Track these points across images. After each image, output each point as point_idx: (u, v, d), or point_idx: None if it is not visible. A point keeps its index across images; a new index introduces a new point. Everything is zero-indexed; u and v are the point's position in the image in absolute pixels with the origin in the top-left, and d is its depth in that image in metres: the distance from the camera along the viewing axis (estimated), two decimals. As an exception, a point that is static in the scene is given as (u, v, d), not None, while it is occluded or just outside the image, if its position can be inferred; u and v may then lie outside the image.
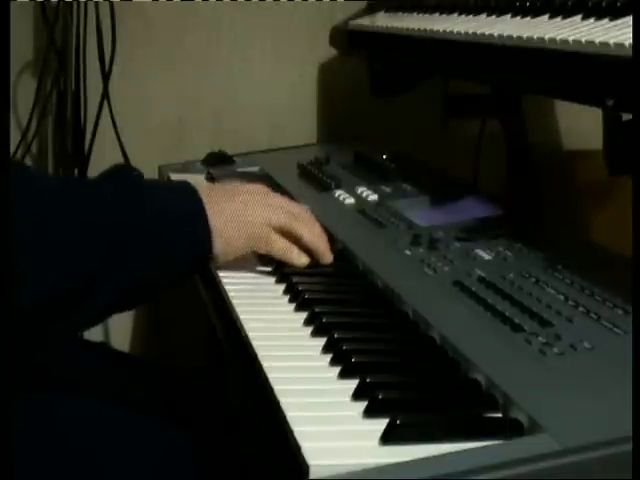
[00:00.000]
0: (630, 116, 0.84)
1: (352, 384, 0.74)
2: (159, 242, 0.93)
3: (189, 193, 0.98)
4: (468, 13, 1.25)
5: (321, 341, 0.83)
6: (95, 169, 1.76)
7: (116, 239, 0.90)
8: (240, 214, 0.99)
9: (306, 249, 1.03)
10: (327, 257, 1.04)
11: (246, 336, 0.87)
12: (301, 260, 1.03)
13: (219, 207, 0.98)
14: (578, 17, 0.97)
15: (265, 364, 0.80)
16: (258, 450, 0.88)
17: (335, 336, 0.82)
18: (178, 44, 1.82)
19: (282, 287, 0.99)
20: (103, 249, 0.89)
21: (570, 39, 0.91)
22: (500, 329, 0.82)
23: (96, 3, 1.71)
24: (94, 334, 1.80)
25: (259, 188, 1.07)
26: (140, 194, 0.94)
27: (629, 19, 0.88)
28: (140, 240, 0.91)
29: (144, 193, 0.95)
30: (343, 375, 0.77)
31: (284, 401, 0.72)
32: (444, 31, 1.22)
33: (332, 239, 1.08)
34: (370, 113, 1.80)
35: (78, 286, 0.87)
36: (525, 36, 1.00)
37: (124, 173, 0.99)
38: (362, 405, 0.71)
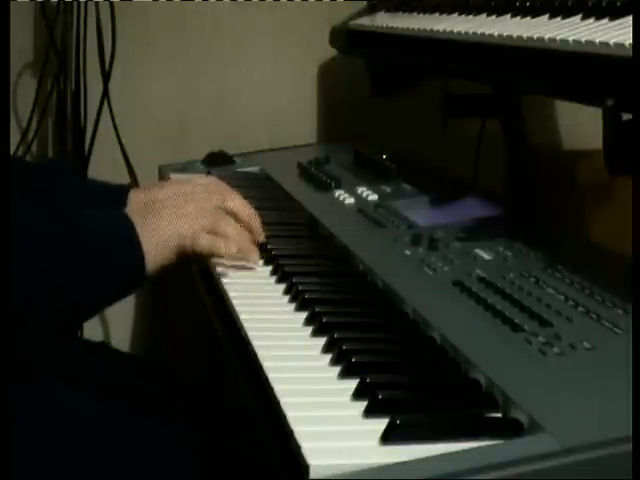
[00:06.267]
0: (630, 116, 0.84)
1: (352, 384, 0.74)
2: (95, 263, 0.92)
3: (121, 219, 0.98)
4: (468, 13, 1.25)
5: (321, 341, 0.83)
6: (95, 169, 1.76)
7: (53, 257, 0.89)
8: (165, 232, 0.98)
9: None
10: (253, 257, 1.04)
11: (246, 336, 0.87)
12: (229, 248, 1.01)
13: (146, 229, 0.97)
14: (578, 17, 0.97)
15: (265, 364, 0.80)
16: (258, 450, 0.88)
17: (335, 336, 0.82)
18: (178, 44, 1.83)
19: (282, 287, 0.99)
20: (41, 267, 0.88)
21: (570, 39, 0.91)
22: (500, 329, 0.82)
23: (96, 3, 1.71)
24: (94, 334, 1.81)
25: (187, 187, 1.06)
26: (76, 221, 0.94)
27: (629, 19, 0.88)
28: (77, 259, 0.90)
29: (80, 220, 0.94)
30: (343, 375, 0.77)
31: (284, 401, 0.72)
32: (444, 31, 1.22)
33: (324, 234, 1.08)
34: (370, 113, 1.80)
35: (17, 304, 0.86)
36: (525, 36, 1.00)
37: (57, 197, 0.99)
38: (362, 405, 0.71)
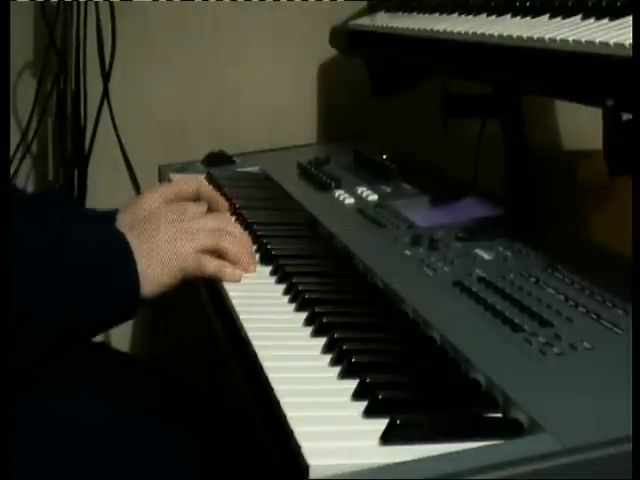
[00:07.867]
0: (630, 116, 0.84)
1: (352, 384, 0.74)
2: (88, 280, 0.92)
3: (115, 239, 0.97)
4: (468, 13, 1.25)
5: (321, 341, 0.83)
6: (95, 169, 1.76)
7: (48, 273, 0.89)
8: (164, 250, 0.98)
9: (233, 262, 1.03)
10: (251, 269, 1.04)
11: (246, 336, 0.87)
12: (235, 275, 1.01)
13: (143, 249, 0.97)
14: (578, 17, 0.97)
15: (265, 364, 0.80)
16: (258, 450, 0.88)
17: (335, 336, 0.82)
18: (178, 44, 1.83)
19: (282, 287, 0.98)
20: (35, 285, 0.88)
21: (570, 39, 0.91)
22: (500, 329, 0.82)
23: (96, 3, 1.71)
24: (94, 334, 1.80)
25: (176, 211, 1.07)
26: (67, 237, 0.94)
27: (629, 19, 0.88)
28: (70, 277, 0.90)
29: (71, 236, 0.95)
30: (343, 375, 0.77)
31: (284, 401, 0.72)
32: (444, 31, 1.22)
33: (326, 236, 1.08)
34: (370, 113, 1.81)
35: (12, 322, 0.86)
36: (525, 36, 1.00)
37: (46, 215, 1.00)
38: (362, 405, 0.71)
